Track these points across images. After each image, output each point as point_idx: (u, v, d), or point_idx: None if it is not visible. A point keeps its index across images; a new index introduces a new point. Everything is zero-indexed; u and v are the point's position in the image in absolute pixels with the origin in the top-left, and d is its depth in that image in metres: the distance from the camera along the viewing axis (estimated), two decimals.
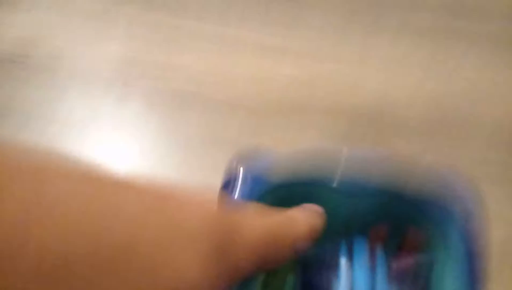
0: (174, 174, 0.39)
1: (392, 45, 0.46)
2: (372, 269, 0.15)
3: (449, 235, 0.22)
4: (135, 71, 0.46)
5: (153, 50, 0.48)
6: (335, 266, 0.15)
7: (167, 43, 0.48)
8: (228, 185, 0.23)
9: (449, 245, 0.22)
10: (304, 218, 0.16)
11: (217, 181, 0.21)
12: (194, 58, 0.47)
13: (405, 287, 0.14)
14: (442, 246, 0.23)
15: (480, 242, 0.21)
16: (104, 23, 0.50)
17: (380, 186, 0.21)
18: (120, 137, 0.42)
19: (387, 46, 0.46)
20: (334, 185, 0.20)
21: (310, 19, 0.48)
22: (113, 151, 0.41)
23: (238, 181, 0.23)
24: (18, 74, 0.47)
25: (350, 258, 0.15)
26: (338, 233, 0.22)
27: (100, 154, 0.41)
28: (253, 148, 0.27)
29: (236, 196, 0.22)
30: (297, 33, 0.48)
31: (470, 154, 0.40)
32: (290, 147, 0.25)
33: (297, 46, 0.47)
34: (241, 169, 0.24)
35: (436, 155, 0.40)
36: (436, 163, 0.26)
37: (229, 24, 0.48)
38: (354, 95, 0.43)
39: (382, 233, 0.24)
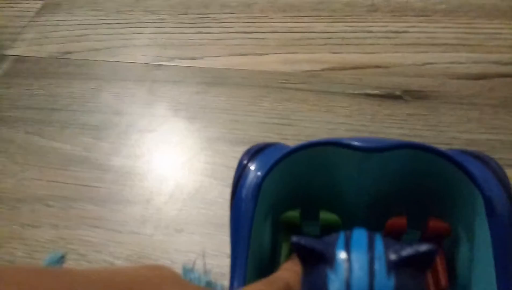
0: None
1: None
2: (371, 262, 0.14)
3: (475, 222, 0.21)
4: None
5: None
6: (332, 258, 0.15)
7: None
8: (239, 179, 0.23)
9: (474, 232, 0.21)
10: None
11: None
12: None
13: (405, 278, 0.14)
14: (467, 234, 0.22)
15: (509, 227, 0.19)
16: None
17: (404, 144, 0.20)
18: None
19: None
20: (355, 143, 0.20)
21: None
22: (151, 140, 0.43)
23: (248, 175, 0.23)
24: (62, 71, 0.50)
25: (348, 250, 0.15)
26: (359, 219, 0.22)
27: (137, 139, 0.42)
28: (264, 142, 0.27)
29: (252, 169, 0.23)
30: None
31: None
32: None
33: None
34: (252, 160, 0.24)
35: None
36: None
37: None
38: None
39: (401, 225, 0.23)
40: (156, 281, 0.15)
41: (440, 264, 0.23)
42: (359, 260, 0.14)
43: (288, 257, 0.25)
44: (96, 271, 0.14)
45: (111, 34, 0.52)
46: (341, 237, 0.15)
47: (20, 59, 0.52)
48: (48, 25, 0.55)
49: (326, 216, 0.24)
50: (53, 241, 0.37)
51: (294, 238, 0.15)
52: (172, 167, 0.41)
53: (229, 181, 0.37)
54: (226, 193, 0.38)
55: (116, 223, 0.38)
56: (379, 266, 0.14)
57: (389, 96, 0.42)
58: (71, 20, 0.55)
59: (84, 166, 0.42)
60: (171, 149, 0.42)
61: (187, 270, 0.34)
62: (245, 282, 0.20)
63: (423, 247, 0.14)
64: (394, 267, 0.14)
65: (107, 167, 0.41)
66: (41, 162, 0.42)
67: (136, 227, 0.37)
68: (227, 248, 0.36)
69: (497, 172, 0.22)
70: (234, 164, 0.26)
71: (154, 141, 0.43)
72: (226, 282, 0.23)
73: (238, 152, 0.27)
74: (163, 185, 0.40)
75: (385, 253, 0.14)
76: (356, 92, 0.43)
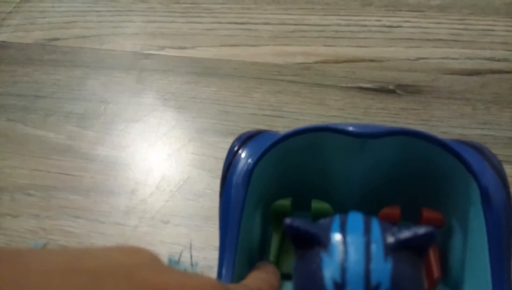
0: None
1: None
2: (367, 245, 0.13)
3: (469, 212, 0.20)
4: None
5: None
6: (327, 241, 0.14)
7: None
8: (229, 165, 0.22)
9: (468, 223, 0.21)
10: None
11: None
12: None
13: (402, 262, 0.13)
14: (460, 224, 0.21)
15: (504, 217, 0.19)
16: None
17: (399, 130, 0.20)
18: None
19: None
20: (350, 128, 0.19)
21: None
22: (137, 127, 0.41)
23: (239, 161, 0.22)
24: (48, 58, 0.48)
25: (343, 233, 0.14)
26: (352, 209, 0.21)
27: (123, 129, 0.41)
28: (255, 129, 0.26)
29: (242, 157, 0.22)
30: None
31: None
32: None
33: None
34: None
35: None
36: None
37: None
38: None
39: (395, 215, 0.22)
40: (130, 268, 0.13)
41: (433, 255, 0.22)
42: (355, 243, 0.13)
43: (278, 247, 0.24)
44: (56, 255, 0.12)
45: (100, 21, 0.51)
46: (336, 220, 0.15)
47: (4, 45, 0.50)
48: (34, 11, 0.53)
49: (318, 205, 0.23)
50: (33, 232, 0.35)
51: (287, 220, 0.14)
52: (159, 158, 0.39)
53: (218, 172, 0.36)
54: (215, 184, 0.37)
55: (99, 213, 0.36)
56: (376, 249, 0.13)
57: (382, 90, 0.41)
58: (59, 6, 0.53)
59: (67, 155, 0.40)
60: (158, 139, 0.41)
61: (173, 262, 0.33)
62: (233, 271, 0.19)
63: (421, 230, 0.13)
64: (392, 250, 0.13)
65: (92, 157, 0.40)
66: (23, 150, 0.41)
67: (120, 218, 0.36)
68: (214, 241, 0.35)
69: (493, 162, 0.22)
70: (223, 155, 0.25)
71: (141, 130, 0.41)
72: (214, 275, 0.22)
73: (228, 143, 0.26)
74: (149, 176, 0.38)
75: (382, 236, 0.14)
76: (349, 85, 0.42)
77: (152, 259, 0.14)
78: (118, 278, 0.12)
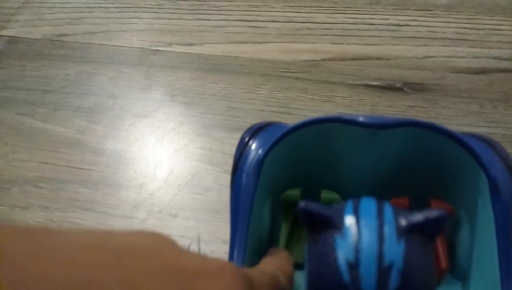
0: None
1: None
2: (380, 227, 0.13)
3: (477, 204, 0.20)
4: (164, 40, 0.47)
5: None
6: (340, 224, 0.14)
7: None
8: (240, 156, 0.23)
9: (476, 214, 0.21)
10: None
11: None
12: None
13: (414, 244, 0.13)
14: (468, 216, 0.22)
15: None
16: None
17: (409, 121, 0.20)
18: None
19: None
20: (361, 119, 0.20)
21: None
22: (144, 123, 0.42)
23: (250, 152, 0.22)
24: (57, 53, 0.49)
25: (357, 216, 0.14)
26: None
27: (131, 123, 0.41)
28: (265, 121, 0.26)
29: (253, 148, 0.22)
30: None
31: None
32: None
33: None
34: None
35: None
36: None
37: None
38: None
39: (403, 206, 0.22)
40: (152, 249, 0.14)
41: (441, 246, 0.22)
42: (369, 225, 0.14)
43: (288, 237, 0.24)
44: (82, 233, 0.13)
45: (108, 18, 0.51)
46: (349, 204, 0.15)
47: (13, 40, 0.51)
48: (43, 7, 0.54)
49: (328, 195, 0.23)
50: (42, 223, 0.36)
51: (302, 203, 0.14)
52: (167, 153, 0.40)
53: (226, 167, 0.36)
54: (223, 179, 0.37)
55: (108, 206, 0.37)
56: (389, 231, 0.13)
57: (390, 88, 0.41)
58: (68, 2, 0.54)
59: (76, 149, 0.41)
60: (166, 134, 0.41)
61: None
62: (244, 257, 0.19)
63: (434, 213, 0.14)
64: (404, 232, 0.14)
65: (100, 151, 0.40)
66: (32, 144, 0.41)
67: (128, 211, 0.36)
68: (222, 234, 0.35)
69: (502, 154, 0.22)
70: (231, 150, 0.26)
71: (149, 126, 0.42)
72: None
73: (235, 139, 0.26)
74: (158, 170, 0.39)
75: (394, 219, 0.14)
76: (356, 82, 0.42)
77: (171, 242, 0.14)
78: (140, 257, 0.13)
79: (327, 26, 0.47)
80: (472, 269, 0.22)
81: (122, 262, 0.12)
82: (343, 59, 0.44)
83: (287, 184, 0.24)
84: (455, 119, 0.39)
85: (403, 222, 0.14)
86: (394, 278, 0.13)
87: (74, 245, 0.12)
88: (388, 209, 0.14)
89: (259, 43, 0.47)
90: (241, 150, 0.23)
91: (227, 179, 0.27)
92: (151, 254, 0.13)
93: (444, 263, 0.22)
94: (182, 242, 0.34)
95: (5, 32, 0.51)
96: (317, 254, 0.14)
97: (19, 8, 0.54)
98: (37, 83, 0.46)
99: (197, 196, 0.37)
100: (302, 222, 0.15)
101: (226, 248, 0.23)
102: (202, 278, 0.13)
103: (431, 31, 0.45)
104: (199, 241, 0.34)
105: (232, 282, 0.13)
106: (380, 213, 0.14)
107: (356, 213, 0.14)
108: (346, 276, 0.13)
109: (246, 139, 0.24)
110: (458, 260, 0.23)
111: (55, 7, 0.54)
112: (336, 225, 0.14)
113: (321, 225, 0.14)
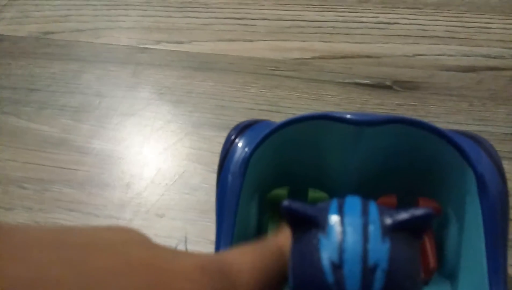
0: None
1: None
2: (365, 226, 0.13)
3: (465, 202, 0.20)
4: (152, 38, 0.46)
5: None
6: (324, 223, 0.14)
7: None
8: (226, 154, 0.22)
9: (464, 212, 0.21)
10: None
11: None
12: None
13: (400, 244, 0.13)
14: (456, 214, 0.21)
15: (500, 205, 0.19)
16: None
17: (397, 118, 0.20)
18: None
19: None
20: (348, 116, 0.19)
21: None
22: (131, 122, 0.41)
23: (236, 150, 0.22)
24: (43, 51, 0.48)
25: (341, 214, 0.14)
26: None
27: (118, 122, 0.41)
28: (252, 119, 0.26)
29: (239, 146, 0.22)
30: None
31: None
32: None
33: None
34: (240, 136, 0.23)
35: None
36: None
37: None
38: None
39: (391, 204, 0.22)
40: (118, 244, 0.13)
41: (429, 245, 0.22)
42: (353, 224, 0.13)
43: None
44: (42, 229, 0.12)
45: (95, 15, 0.51)
46: (334, 203, 0.14)
47: None
48: (29, 4, 0.53)
49: (315, 194, 0.23)
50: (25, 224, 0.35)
51: (285, 202, 0.14)
52: (155, 152, 0.39)
53: (214, 166, 0.35)
54: (211, 178, 0.37)
55: (93, 207, 0.36)
56: (374, 230, 0.13)
57: (379, 86, 0.41)
58: (54, 0, 0.53)
59: (62, 148, 0.40)
60: (154, 133, 0.40)
61: None
62: None
63: (419, 211, 0.13)
64: (389, 231, 0.13)
65: (86, 150, 0.40)
66: (16, 143, 0.40)
67: (114, 212, 0.36)
68: (210, 234, 0.35)
69: (490, 151, 0.22)
70: (220, 149, 0.25)
71: (136, 124, 0.41)
72: None
73: (224, 137, 0.25)
74: (145, 169, 0.38)
75: (379, 217, 0.13)
76: (345, 81, 0.42)
77: (141, 237, 0.14)
78: (106, 252, 0.12)
79: (317, 24, 0.47)
80: (460, 266, 0.22)
81: (86, 258, 0.11)
82: (332, 57, 0.44)
83: (274, 182, 0.24)
84: (444, 117, 0.39)
85: (388, 220, 0.13)
86: (379, 278, 0.13)
87: (30, 241, 0.11)
88: (373, 208, 0.14)
89: (248, 41, 0.46)
90: (227, 148, 0.23)
91: (215, 178, 0.26)
92: (116, 250, 0.12)
93: (432, 262, 0.22)
94: (169, 242, 0.33)
95: None
96: (301, 253, 0.14)
97: (4, 5, 0.53)
98: (22, 82, 0.45)
99: (184, 196, 0.36)
100: (286, 221, 0.14)
101: (213, 248, 0.23)
102: (170, 276, 0.12)
103: (420, 29, 0.45)
104: (186, 242, 0.33)
105: (202, 278, 0.13)
106: (365, 212, 0.14)
107: (340, 211, 0.14)
108: (329, 277, 0.13)
109: (233, 137, 0.23)
110: (446, 258, 0.23)
111: (41, 5, 0.53)
112: (320, 224, 0.14)
113: (305, 224, 0.14)
